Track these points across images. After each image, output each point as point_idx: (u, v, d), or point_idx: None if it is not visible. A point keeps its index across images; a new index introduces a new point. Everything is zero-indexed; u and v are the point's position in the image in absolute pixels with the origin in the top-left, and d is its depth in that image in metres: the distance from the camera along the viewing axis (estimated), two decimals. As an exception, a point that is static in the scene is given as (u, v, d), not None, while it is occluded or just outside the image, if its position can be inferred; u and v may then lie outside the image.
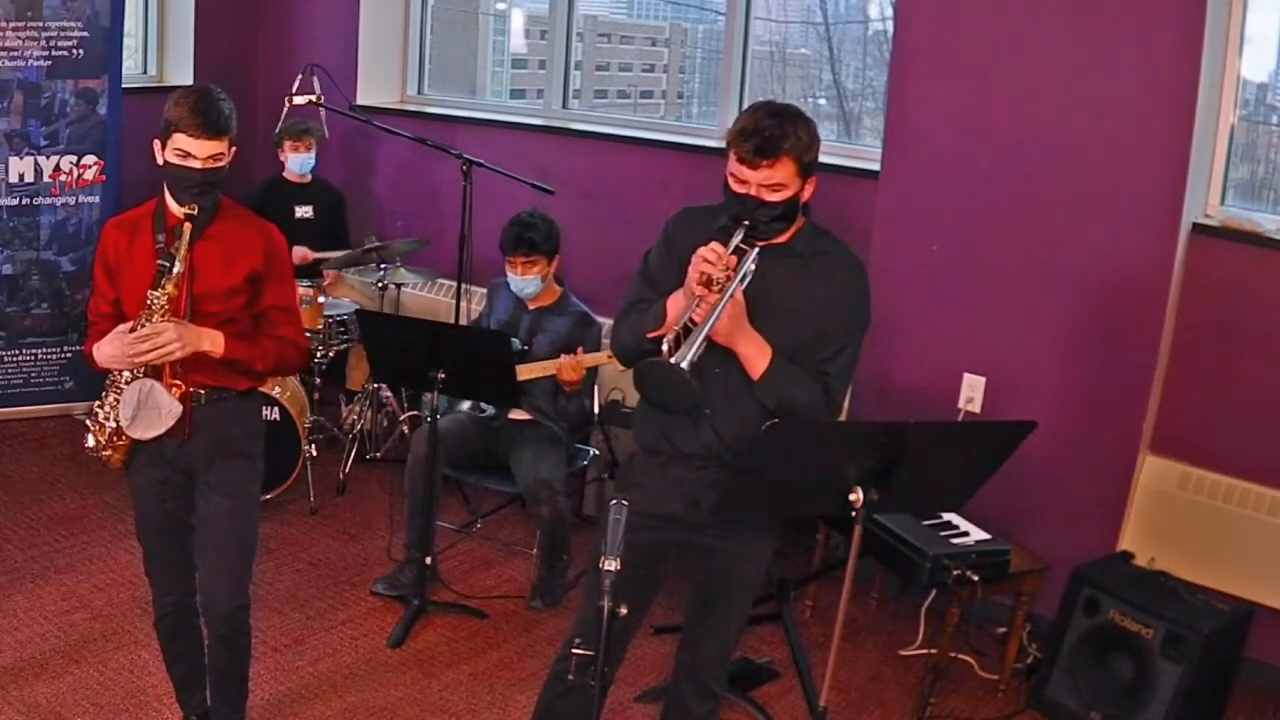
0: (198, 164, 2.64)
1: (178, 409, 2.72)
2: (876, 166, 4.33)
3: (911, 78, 4.14)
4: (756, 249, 2.50)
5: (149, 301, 2.64)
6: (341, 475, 4.92)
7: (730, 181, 2.51)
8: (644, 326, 2.59)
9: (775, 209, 2.49)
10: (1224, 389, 3.83)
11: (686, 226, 2.66)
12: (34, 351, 5.26)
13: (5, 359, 5.21)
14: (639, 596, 2.64)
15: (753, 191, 2.47)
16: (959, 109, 4.03)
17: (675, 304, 2.54)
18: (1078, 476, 3.97)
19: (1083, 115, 3.79)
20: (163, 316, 2.64)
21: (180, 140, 2.63)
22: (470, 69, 6.36)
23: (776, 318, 2.54)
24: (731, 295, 2.44)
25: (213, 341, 2.70)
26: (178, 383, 2.73)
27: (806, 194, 2.54)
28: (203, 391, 2.78)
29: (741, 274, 2.47)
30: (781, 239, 2.57)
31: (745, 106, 2.60)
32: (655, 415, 2.67)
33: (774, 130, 2.43)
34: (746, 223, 2.48)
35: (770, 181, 2.46)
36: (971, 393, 4.14)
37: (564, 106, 5.67)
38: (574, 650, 2.49)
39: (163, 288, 2.63)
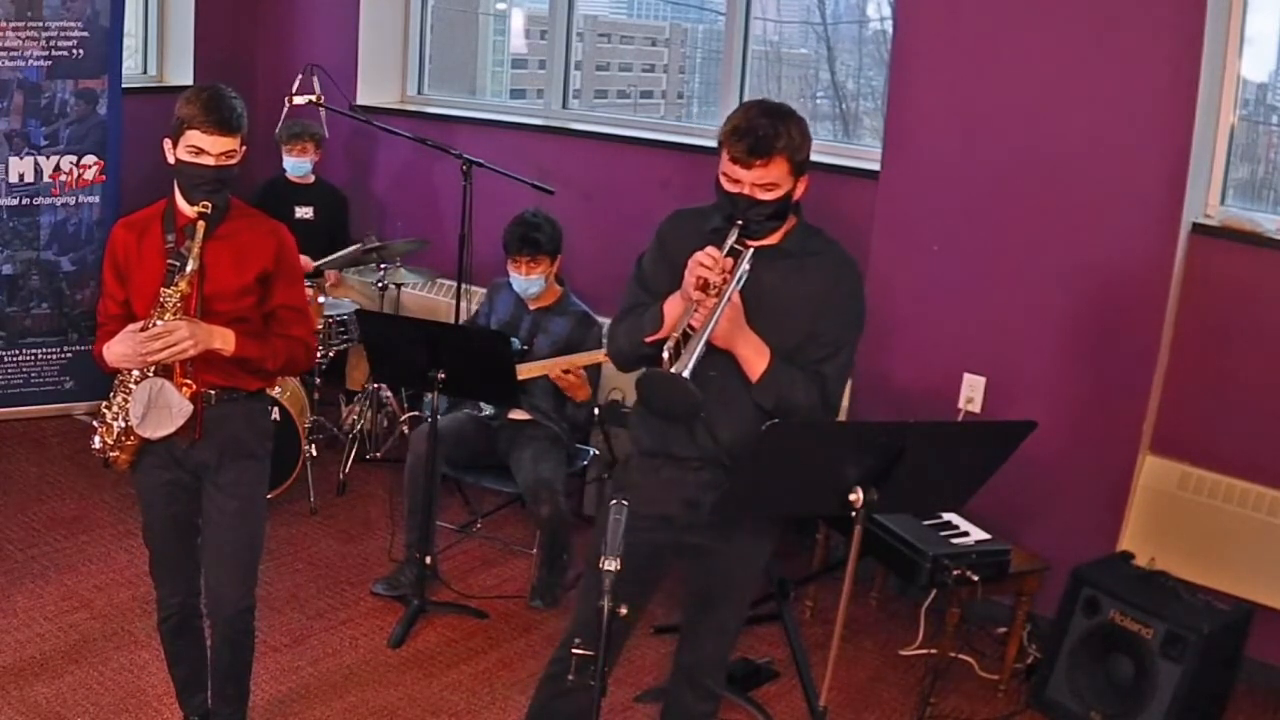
0: (210, 161, 2.64)
1: (188, 408, 2.71)
2: (876, 166, 4.33)
3: (911, 78, 4.14)
4: (751, 250, 2.49)
5: (161, 300, 2.64)
6: (341, 475, 4.92)
7: (723, 181, 2.50)
8: (641, 331, 2.58)
9: (768, 208, 2.48)
10: (1224, 389, 3.83)
11: (678, 229, 2.65)
12: (34, 351, 5.26)
13: (5, 359, 5.20)
14: (636, 597, 2.64)
15: (746, 191, 2.46)
16: (959, 109, 4.03)
17: (673, 308, 2.53)
18: (1078, 476, 3.97)
19: (1083, 115, 3.79)
20: (175, 315, 2.63)
21: (193, 137, 2.63)
22: (470, 69, 6.36)
23: (770, 319, 2.53)
24: (729, 298, 2.44)
25: (224, 339, 2.70)
26: (188, 382, 2.72)
27: (798, 192, 2.53)
28: (213, 392, 2.78)
29: (738, 276, 2.46)
30: (773, 239, 2.56)
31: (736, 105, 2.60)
32: (652, 419, 2.66)
33: (767, 129, 2.43)
34: (740, 223, 2.47)
35: (764, 181, 2.45)
36: (971, 393, 4.14)
37: (564, 106, 5.67)
38: (574, 650, 2.49)
39: (176, 285, 2.63)
